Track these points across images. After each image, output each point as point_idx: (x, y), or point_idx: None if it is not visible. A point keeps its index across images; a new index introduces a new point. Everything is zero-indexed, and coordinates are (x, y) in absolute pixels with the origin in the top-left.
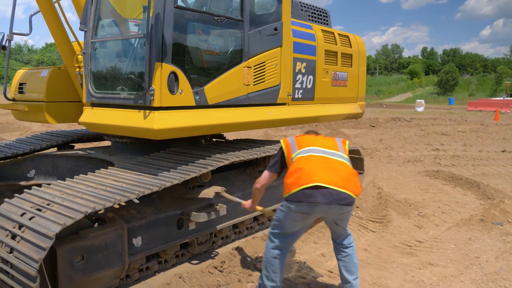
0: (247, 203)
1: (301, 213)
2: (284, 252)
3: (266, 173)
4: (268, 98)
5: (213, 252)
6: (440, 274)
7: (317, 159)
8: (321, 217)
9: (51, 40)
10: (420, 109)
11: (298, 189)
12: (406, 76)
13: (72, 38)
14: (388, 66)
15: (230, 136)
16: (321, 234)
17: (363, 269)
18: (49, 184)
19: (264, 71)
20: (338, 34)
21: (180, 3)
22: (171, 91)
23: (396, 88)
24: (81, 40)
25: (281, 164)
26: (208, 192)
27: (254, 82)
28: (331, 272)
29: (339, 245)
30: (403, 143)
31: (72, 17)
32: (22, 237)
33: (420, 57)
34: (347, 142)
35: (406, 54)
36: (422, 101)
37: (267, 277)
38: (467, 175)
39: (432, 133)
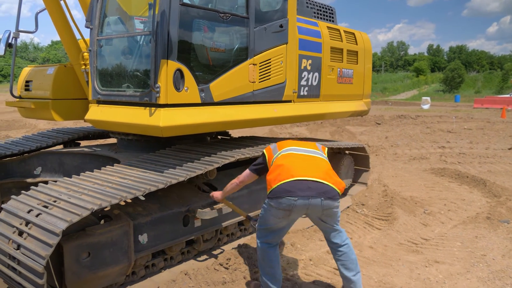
0: (216, 193)
1: (282, 210)
2: (273, 246)
3: (247, 171)
4: (273, 95)
5: (219, 249)
6: (446, 272)
7: (297, 156)
8: (305, 214)
9: (57, 37)
10: (425, 107)
11: (278, 184)
12: (411, 73)
13: (78, 36)
14: (393, 63)
15: (235, 133)
16: (321, 233)
17: (368, 267)
18: (55, 181)
19: (270, 68)
20: (344, 31)
21: (185, 0)
22: (177, 88)
23: (402, 85)
24: (87, 37)
25: (262, 168)
26: None
27: (259, 79)
28: (337, 269)
29: (332, 244)
30: (408, 140)
31: (78, 15)
32: (29, 234)
33: (426, 54)
34: (326, 149)
35: (411, 51)
36: (428, 98)
37: (264, 273)
38: (474, 173)
39: (438, 130)
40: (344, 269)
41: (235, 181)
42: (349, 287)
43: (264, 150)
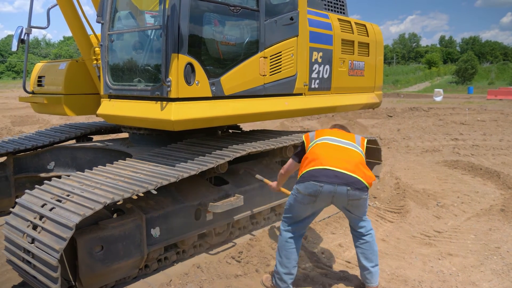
0: (272, 184)
1: (307, 195)
2: (296, 237)
3: (290, 161)
4: (284, 88)
5: (231, 243)
6: (460, 265)
7: (330, 146)
8: (330, 202)
9: (68, 33)
10: (438, 99)
11: (306, 170)
12: (423, 65)
13: (89, 31)
14: (405, 55)
15: (246, 127)
16: (338, 225)
17: (381, 260)
18: (68, 176)
19: (281, 61)
20: (355, 23)
21: None
22: (188, 82)
23: (414, 77)
24: (98, 32)
25: (302, 155)
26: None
27: (270, 72)
28: (349, 262)
29: (356, 232)
30: (421, 133)
31: (89, 10)
32: (43, 228)
33: (438, 46)
34: (366, 140)
35: (424, 43)
36: (441, 90)
37: (280, 263)
38: (487, 165)
39: (451, 122)
40: (363, 259)
41: (281, 171)
42: (366, 278)
43: (303, 137)
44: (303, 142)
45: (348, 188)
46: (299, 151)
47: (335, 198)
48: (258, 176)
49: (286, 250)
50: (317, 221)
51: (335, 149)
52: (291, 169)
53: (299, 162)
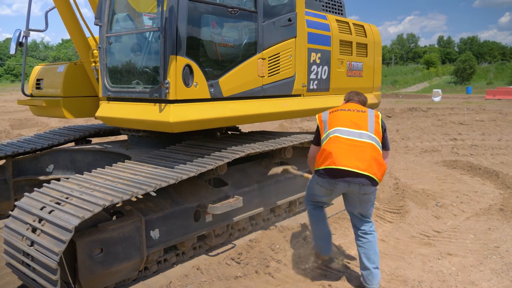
0: (308, 175)
1: (324, 188)
2: (319, 207)
3: (311, 147)
4: (283, 90)
5: (230, 244)
6: (459, 264)
7: (343, 142)
8: (345, 192)
9: (67, 36)
10: (437, 99)
11: (323, 167)
12: (422, 65)
13: (87, 34)
14: (403, 56)
15: (245, 128)
16: (337, 225)
17: (381, 260)
18: (67, 178)
19: (279, 63)
20: (353, 24)
21: None
22: (186, 84)
23: (412, 78)
24: (96, 35)
25: (319, 138)
26: (277, 169)
27: (268, 73)
28: (349, 262)
29: (359, 230)
30: (420, 133)
31: (87, 13)
32: (42, 230)
33: (436, 46)
34: (380, 116)
35: (422, 43)
36: (439, 90)
37: (314, 233)
38: (486, 165)
39: (450, 122)
40: (365, 259)
41: (309, 159)
42: (366, 279)
43: (317, 118)
44: (317, 127)
45: (361, 184)
46: (316, 135)
47: (349, 190)
48: (295, 171)
49: (315, 219)
50: None
51: (348, 146)
52: (315, 153)
53: (319, 144)
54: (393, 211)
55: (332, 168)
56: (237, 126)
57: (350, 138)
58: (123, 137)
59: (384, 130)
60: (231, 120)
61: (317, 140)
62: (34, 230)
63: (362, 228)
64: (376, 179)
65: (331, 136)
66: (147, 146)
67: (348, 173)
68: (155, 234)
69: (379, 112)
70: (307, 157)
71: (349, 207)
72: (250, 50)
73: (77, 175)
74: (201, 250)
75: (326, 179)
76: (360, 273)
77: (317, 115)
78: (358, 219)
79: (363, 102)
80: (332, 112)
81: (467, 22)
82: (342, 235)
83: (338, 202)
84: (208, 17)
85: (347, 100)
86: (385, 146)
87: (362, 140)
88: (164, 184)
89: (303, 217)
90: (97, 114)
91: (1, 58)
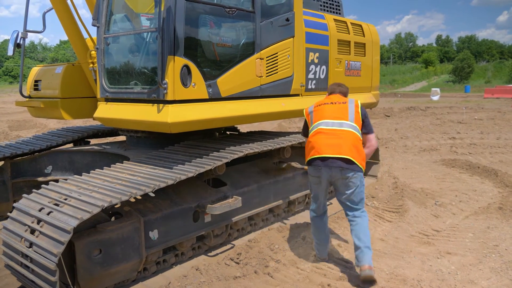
0: None
1: (313, 177)
2: (318, 216)
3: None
4: (281, 89)
5: (229, 244)
6: (458, 263)
7: (324, 132)
8: (330, 181)
9: (65, 37)
10: (435, 98)
11: (310, 158)
12: (420, 64)
13: (85, 35)
14: (402, 55)
15: (243, 128)
16: (336, 225)
17: (379, 259)
18: (66, 179)
19: (277, 62)
20: (351, 23)
21: None
22: (184, 84)
23: (411, 77)
24: (94, 36)
25: (306, 129)
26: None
27: (267, 73)
28: (348, 262)
29: (348, 216)
30: (418, 132)
31: (85, 14)
32: (40, 232)
33: (434, 45)
34: (359, 104)
35: (420, 42)
36: (438, 89)
37: (315, 238)
38: (485, 163)
39: (448, 121)
40: (356, 239)
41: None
42: (357, 258)
43: (304, 113)
44: (305, 121)
45: (341, 167)
46: (305, 127)
47: (332, 176)
48: (298, 165)
49: (314, 227)
50: None
51: (329, 135)
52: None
53: (307, 136)
54: (392, 210)
55: (317, 157)
56: (235, 126)
57: (332, 128)
58: (122, 138)
59: (364, 116)
60: (229, 120)
61: (305, 132)
62: (32, 231)
63: (350, 213)
64: (356, 163)
65: (315, 129)
66: (145, 147)
67: (328, 159)
68: (154, 234)
69: (359, 101)
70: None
71: (338, 196)
72: (248, 50)
73: (75, 176)
74: (200, 251)
75: (312, 166)
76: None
77: (304, 109)
78: (348, 207)
79: (345, 93)
80: (318, 106)
81: (465, 21)
82: (341, 235)
83: (337, 202)
84: (205, 17)
85: (330, 92)
86: (369, 130)
87: (343, 129)
88: (162, 185)
89: (302, 217)
90: (95, 115)
91: None
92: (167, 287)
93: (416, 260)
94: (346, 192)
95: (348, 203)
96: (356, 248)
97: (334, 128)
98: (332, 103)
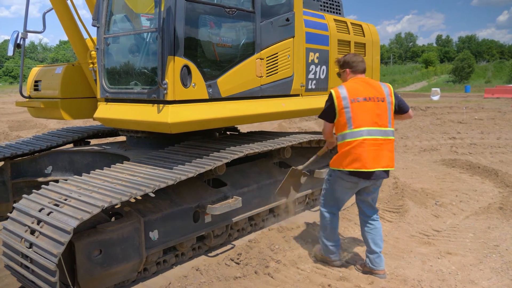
0: (327, 146)
1: (350, 182)
2: (336, 214)
3: (325, 123)
4: (281, 90)
5: (230, 245)
6: (459, 263)
7: (370, 144)
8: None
9: (65, 37)
10: (435, 98)
11: (349, 169)
12: (420, 64)
13: (85, 35)
14: (402, 55)
15: (243, 128)
16: None
17: None
18: (66, 180)
19: (277, 63)
20: (351, 23)
21: None
22: (184, 84)
23: (411, 77)
24: (94, 36)
25: (332, 115)
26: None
27: (267, 73)
28: (348, 262)
29: (368, 217)
30: (418, 132)
31: (85, 14)
32: (40, 232)
33: (434, 45)
34: (393, 92)
35: (421, 42)
36: (438, 89)
37: (328, 238)
38: (485, 163)
39: (448, 121)
40: (373, 244)
41: (325, 135)
42: (375, 262)
43: (334, 98)
44: (333, 102)
45: (382, 178)
46: (330, 112)
47: (370, 184)
48: (307, 163)
49: (331, 227)
50: (316, 221)
51: (374, 146)
52: (330, 130)
53: (333, 121)
54: (392, 210)
55: (360, 171)
56: (235, 126)
57: (376, 137)
58: (122, 138)
59: (399, 100)
60: (229, 120)
61: (331, 117)
62: (32, 232)
63: (370, 214)
64: (392, 169)
65: (358, 138)
66: (145, 147)
67: (373, 174)
68: (154, 235)
69: (391, 87)
70: (323, 132)
71: (364, 196)
72: (248, 50)
73: (75, 176)
74: (200, 251)
75: (352, 176)
76: (359, 271)
77: (333, 91)
78: (369, 206)
79: (365, 69)
80: (355, 100)
81: (465, 21)
82: (340, 234)
83: None
84: (206, 17)
85: (356, 70)
86: (406, 108)
87: (386, 138)
88: (162, 185)
89: (303, 217)
90: (96, 115)
91: None
92: (167, 287)
93: (416, 260)
94: (374, 192)
95: (372, 202)
96: (372, 252)
97: (378, 137)
98: (370, 99)
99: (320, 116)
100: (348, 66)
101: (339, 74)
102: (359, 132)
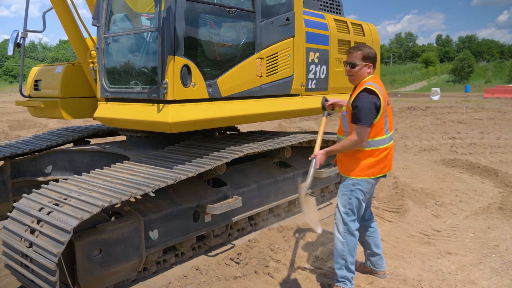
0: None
1: (373, 185)
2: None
3: (364, 129)
4: (281, 89)
5: (230, 244)
6: (459, 263)
7: (390, 148)
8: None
9: (65, 37)
10: (435, 98)
11: (377, 176)
12: (420, 64)
13: (85, 34)
14: (402, 55)
15: (244, 128)
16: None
17: None
18: (66, 179)
19: (277, 62)
20: (351, 23)
21: None
22: (184, 84)
23: (411, 77)
24: (94, 35)
25: (373, 119)
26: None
27: (267, 73)
28: None
29: (367, 221)
30: (418, 132)
31: (85, 14)
32: (40, 232)
33: (435, 45)
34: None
35: (421, 42)
36: (438, 89)
37: (351, 262)
38: (485, 163)
39: (448, 121)
40: (375, 247)
41: (356, 142)
42: (377, 264)
43: (381, 102)
44: (379, 104)
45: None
46: (373, 116)
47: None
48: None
49: (354, 248)
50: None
51: (391, 152)
52: (366, 135)
53: (370, 125)
54: (392, 210)
55: (382, 176)
56: (235, 126)
57: (392, 143)
58: (122, 137)
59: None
60: (229, 120)
61: (373, 119)
62: (32, 231)
63: (368, 218)
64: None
65: (389, 143)
66: (145, 147)
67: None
68: (154, 234)
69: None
70: (359, 141)
71: (369, 198)
72: (248, 49)
73: (75, 176)
74: (200, 251)
75: (376, 180)
76: (359, 273)
77: (375, 89)
78: (367, 209)
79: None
80: (386, 102)
81: (466, 21)
82: None
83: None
84: (206, 17)
85: (375, 67)
86: None
87: (392, 142)
88: (162, 185)
89: (302, 217)
90: (95, 114)
91: None
92: (167, 287)
93: (416, 260)
94: (373, 195)
95: (368, 204)
96: (374, 254)
97: (392, 142)
98: (388, 103)
99: (361, 121)
100: (372, 61)
101: (353, 66)
102: (389, 138)
